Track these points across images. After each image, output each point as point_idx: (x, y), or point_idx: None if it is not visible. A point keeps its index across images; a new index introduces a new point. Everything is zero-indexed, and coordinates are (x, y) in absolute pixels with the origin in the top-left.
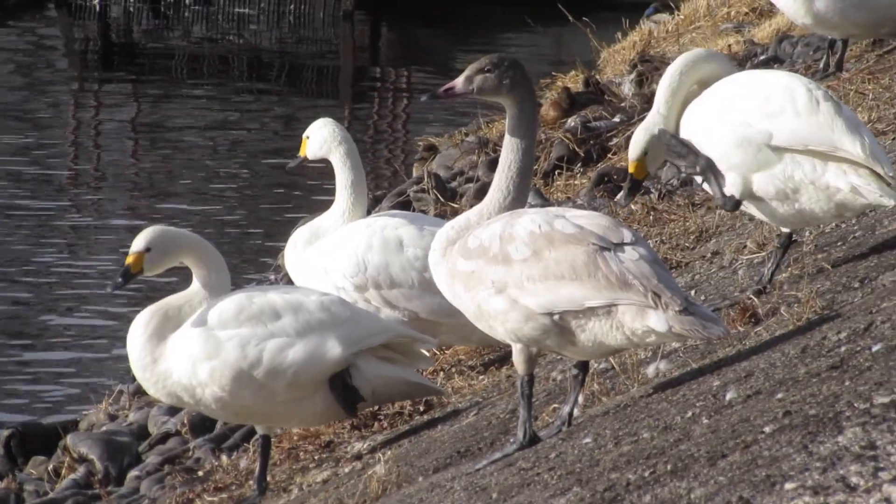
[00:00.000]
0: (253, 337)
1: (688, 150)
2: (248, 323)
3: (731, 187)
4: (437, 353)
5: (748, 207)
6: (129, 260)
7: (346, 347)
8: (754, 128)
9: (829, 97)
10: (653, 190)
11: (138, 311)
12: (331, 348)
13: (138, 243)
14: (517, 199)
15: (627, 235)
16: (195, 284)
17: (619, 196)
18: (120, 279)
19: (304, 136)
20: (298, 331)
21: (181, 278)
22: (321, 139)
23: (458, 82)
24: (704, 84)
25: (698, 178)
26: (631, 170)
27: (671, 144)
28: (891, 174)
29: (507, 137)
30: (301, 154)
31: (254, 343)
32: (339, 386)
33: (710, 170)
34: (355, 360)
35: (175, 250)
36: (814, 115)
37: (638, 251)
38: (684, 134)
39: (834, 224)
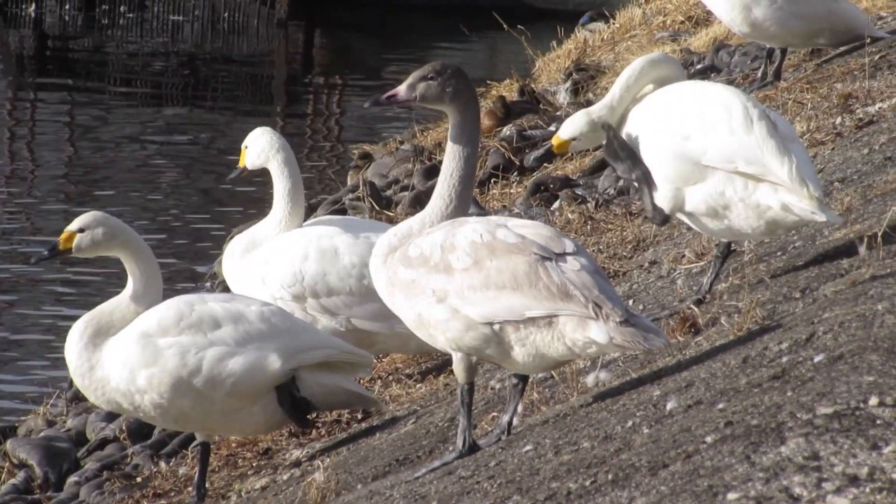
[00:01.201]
0: (193, 345)
1: (627, 155)
2: (188, 331)
3: (662, 200)
4: (375, 361)
5: (683, 219)
6: (62, 237)
7: (285, 360)
8: (688, 143)
9: (763, 116)
10: (589, 199)
11: (75, 315)
12: (271, 361)
13: (74, 223)
14: (459, 207)
15: (569, 246)
16: (127, 289)
17: (531, 155)
18: (46, 252)
19: (242, 146)
20: (238, 341)
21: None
22: (259, 148)
23: (401, 89)
24: (658, 85)
25: (635, 185)
26: (554, 142)
27: (613, 145)
28: (817, 194)
29: (449, 145)
30: (241, 164)
31: (193, 351)
32: (287, 399)
33: (644, 180)
34: (297, 371)
35: (108, 239)
36: (747, 134)
37: (579, 261)
38: (625, 135)
39: None
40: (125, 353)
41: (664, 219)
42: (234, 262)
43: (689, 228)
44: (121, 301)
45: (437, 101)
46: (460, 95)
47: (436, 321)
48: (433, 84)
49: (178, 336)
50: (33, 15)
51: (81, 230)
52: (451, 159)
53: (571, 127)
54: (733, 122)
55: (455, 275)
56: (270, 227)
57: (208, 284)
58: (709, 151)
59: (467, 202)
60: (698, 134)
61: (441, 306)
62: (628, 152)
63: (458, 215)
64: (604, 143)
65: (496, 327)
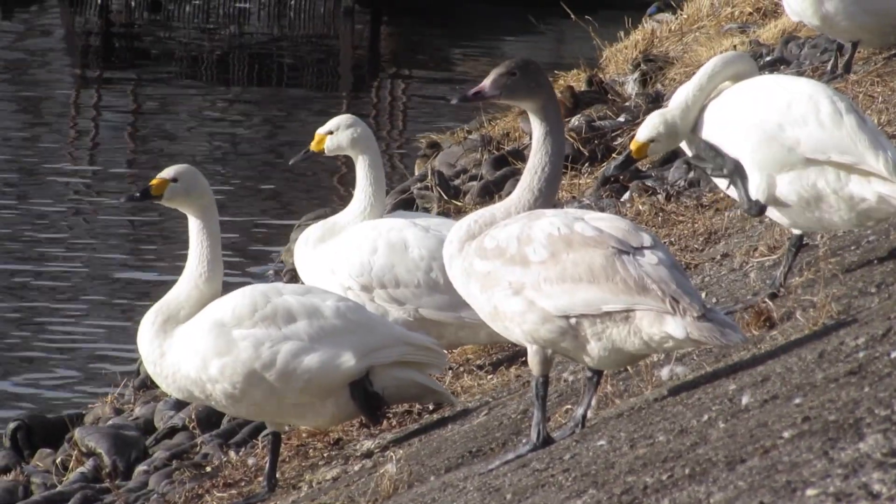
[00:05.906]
0: (267, 338)
1: (715, 153)
2: (262, 323)
3: (757, 191)
4: (448, 356)
5: (772, 212)
6: (154, 182)
7: (360, 359)
8: (779, 131)
9: (852, 109)
10: (660, 191)
11: (141, 302)
12: (346, 359)
13: (168, 172)
14: (547, 200)
15: (647, 239)
16: (192, 272)
17: (610, 165)
18: (137, 194)
19: (321, 130)
20: (313, 336)
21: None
22: (347, 137)
23: (486, 85)
24: (734, 82)
25: (723, 182)
26: (633, 147)
27: (699, 148)
28: None
29: (537, 139)
30: (313, 148)
31: (268, 345)
32: (360, 393)
33: (738, 173)
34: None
35: (195, 193)
36: (837, 128)
37: (657, 255)
38: (704, 131)
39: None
40: (197, 342)
41: (760, 209)
42: (307, 251)
43: (761, 220)
44: (188, 285)
45: (522, 97)
46: (542, 90)
47: (511, 313)
48: (518, 80)
49: (251, 328)
50: (99, 0)
51: (175, 180)
52: (543, 153)
53: (648, 129)
54: (822, 116)
55: (531, 267)
56: (352, 216)
57: (271, 272)
58: (801, 142)
59: (553, 196)
60: (788, 126)
61: (517, 298)
62: (714, 151)
63: (545, 208)
64: (682, 146)
65: (572, 321)
